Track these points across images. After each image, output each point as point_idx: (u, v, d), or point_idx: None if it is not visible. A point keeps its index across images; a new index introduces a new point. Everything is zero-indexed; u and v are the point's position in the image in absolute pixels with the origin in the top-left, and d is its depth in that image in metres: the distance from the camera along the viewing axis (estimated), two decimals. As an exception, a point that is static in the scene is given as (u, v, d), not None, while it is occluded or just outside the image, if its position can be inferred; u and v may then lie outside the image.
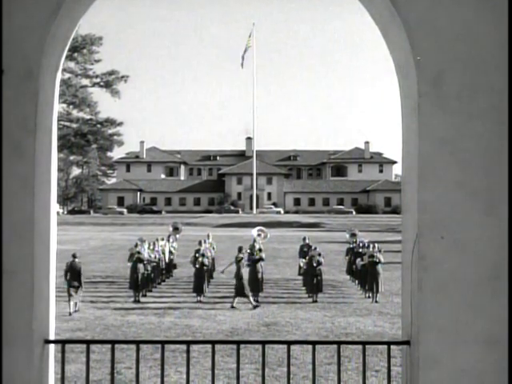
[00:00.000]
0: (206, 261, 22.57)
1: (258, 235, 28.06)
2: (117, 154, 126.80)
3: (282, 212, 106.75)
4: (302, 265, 24.42)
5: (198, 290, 21.72)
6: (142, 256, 22.56)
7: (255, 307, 19.86)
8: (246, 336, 15.93)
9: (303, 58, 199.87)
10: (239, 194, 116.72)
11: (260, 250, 22.65)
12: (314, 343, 5.37)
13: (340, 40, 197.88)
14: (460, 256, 4.80)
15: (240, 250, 21.81)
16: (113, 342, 5.31)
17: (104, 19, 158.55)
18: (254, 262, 21.55)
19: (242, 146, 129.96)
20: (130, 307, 20.29)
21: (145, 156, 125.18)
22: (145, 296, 22.47)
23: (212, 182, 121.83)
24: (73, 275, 19.62)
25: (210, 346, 5.38)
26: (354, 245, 27.30)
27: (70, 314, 18.77)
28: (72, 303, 19.24)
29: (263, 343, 5.36)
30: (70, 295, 19.24)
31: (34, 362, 4.86)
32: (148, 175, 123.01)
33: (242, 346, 5.47)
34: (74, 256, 20.14)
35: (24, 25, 4.87)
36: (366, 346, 5.33)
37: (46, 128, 5.12)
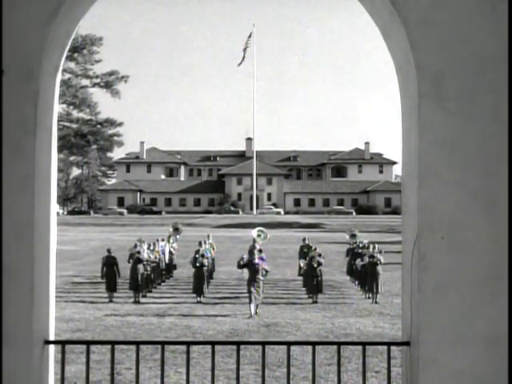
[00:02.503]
0: (205, 261, 22.56)
1: (258, 236, 28.01)
2: (117, 154, 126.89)
3: (282, 212, 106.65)
4: (302, 265, 24.39)
5: (198, 290, 21.70)
6: (142, 256, 22.57)
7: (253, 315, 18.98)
8: (246, 337, 15.92)
9: (303, 59, 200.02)
10: (239, 195, 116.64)
11: (260, 250, 22.55)
12: (313, 344, 5.37)
13: (340, 40, 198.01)
14: (460, 256, 4.79)
15: (251, 251, 20.81)
16: (113, 343, 5.31)
17: (104, 19, 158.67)
18: (255, 269, 19.90)
19: (241, 147, 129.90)
20: (129, 308, 20.29)
21: (145, 156, 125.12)
22: (145, 296, 22.48)
23: (212, 183, 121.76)
24: (109, 267, 22.37)
25: (209, 346, 5.38)
26: (354, 245, 27.32)
27: (112, 301, 21.49)
28: (111, 293, 21.96)
29: (263, 344, 5.36)
30: (110, 285, 22.06)
31: (33, 362, 4.85)
32: (148, 176, 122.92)
33: (241, 346, 5.47)
34: (109, 251, 23.20)
35: (24, 25, 4.87)
36: (366, 347, 5.32)
37: (46, 128, 5.12)
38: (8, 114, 4.81)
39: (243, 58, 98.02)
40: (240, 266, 20.93)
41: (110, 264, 22.57)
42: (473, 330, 4.76)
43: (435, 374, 4.77)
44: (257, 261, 19.82)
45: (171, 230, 29.89)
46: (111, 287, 22.10)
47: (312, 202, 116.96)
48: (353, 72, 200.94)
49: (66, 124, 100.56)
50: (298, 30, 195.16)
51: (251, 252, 20.66)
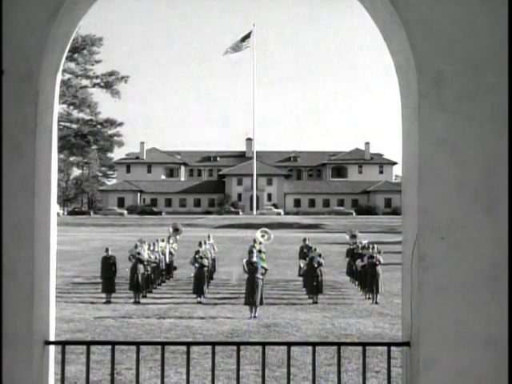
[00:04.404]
0: (205, 262, 22.55)
1: (262, 236, 28.02)
2: (117, 154, 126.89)
3: (282, 213, 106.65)
4: (302, 266, 24.37)
5: (198, 290, 21.68)
6: (142, 257, 22.57)
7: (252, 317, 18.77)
8: (246, 337, 15.91)
9: (303, 59, 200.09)
10: (239, 195, 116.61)
11: (260, 251, 22.52)
12: (314, 344, 5.37)
13: (340, 40, 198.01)
14: (460, 257, 4.79)
15: (251, 251, 20.51)
16: (113, 343, 5.31)
17: (104, 19, 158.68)
18: (253, 271, 19.50)
19: (242, 147, 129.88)
20: (130, 308, 20.29)
21: (145, 157, 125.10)
22: (145, 297, 22.47)
23: (212, 183, 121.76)
24: (107, 267, 22.14)
25: (210, 347, 5.38)
26: (354, 246, 27.32)
27: (110, 302, 21.24)
28: (108, 294, 21.72)
29: (263, 344, 5.36)
30: (107, 286, 21.76)
31: (34, 362, 4.85)
32: (148, 176, 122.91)
33: (242, 347, 5.47)
34: (107, 250, 22.80)
35: (24, 25, 4.87)
36: (366, 347, 5.32)
37: (46, 128, 5.12)
38: (8, 114, 4.81)
39: (229, 49, 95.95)
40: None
41: (107, 265, 22.33)
42: (473, 330, 4.76)
43: (435, 375, 4.77)
44: (255, 259, 19.73)
45: (171, 230, 29.88)
46: (108, 288, 21.87)
47: (312, 203, 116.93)
48: (353, 72, 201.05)
49: (66, 124, 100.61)
50: (298, 31, 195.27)
51: (251, 252, 20.58)
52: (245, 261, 19.99)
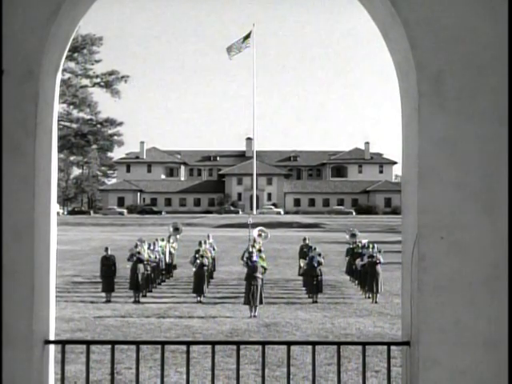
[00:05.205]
0: (205, 261, 22.55)
1: (259, 235, 27.97)
2: (117, 154, 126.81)
3: (282, 212, 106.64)
4: (302, 265, 24.35)
5: (198, 290, 21.68)
6: (142, 256, 22.57)
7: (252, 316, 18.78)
8: (246, 336, 15.92)
9: (303, 59, 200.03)
10: (239, 195, 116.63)
11: (260, 250, 22.50)
12: (313, 344, 5.37)
13: (340, 40, 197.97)
14: (460, 256, 4.79)
15: (248, 251, 20.64)
16: (113, 343, 5.31)
17: (104, 19, 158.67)
18: (253, 271, 19.45)
19: (242, 147, 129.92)
20: (130, 307, 20.29)
21: (145, 156, 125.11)
22: (145, 296, 22.47)
23: (212, 183, 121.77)
24: (107, 266, 22.23)
25: (209, 346, 5.38)
26: (354, 245, 27.31)
27: (110, 301, 21.27)
28: (108, 294, 21.80)
29: (263, 344, 5.36)
30: (106, 285, 21.82)
31: (33, 362, 4.85)
32: (148, 176, 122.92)
33: (241, 346, 5.47)
34: (107, 249, 22.90)
35: (24, 25, 4.87)
36: (366, 347, 5.33)
37: (46, 128, 5.12)
38: (8, 114, 4.81)
39: (231, 51, 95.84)
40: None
41: (106, 264, 22.41)
42: (473, 330, 4.76)
43: (435, 374, 4.77)
44: (255, 258, 19.72)
45: (171, 229, 29.86)
46: (108, 287, 21.91)
47: (312, 202, 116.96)
48: (353, 72, 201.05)
49: (66, 124, 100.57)
50: (298, 30, 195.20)
51: (250, 251, 20.59)
52: (245, 257, 20.05)
